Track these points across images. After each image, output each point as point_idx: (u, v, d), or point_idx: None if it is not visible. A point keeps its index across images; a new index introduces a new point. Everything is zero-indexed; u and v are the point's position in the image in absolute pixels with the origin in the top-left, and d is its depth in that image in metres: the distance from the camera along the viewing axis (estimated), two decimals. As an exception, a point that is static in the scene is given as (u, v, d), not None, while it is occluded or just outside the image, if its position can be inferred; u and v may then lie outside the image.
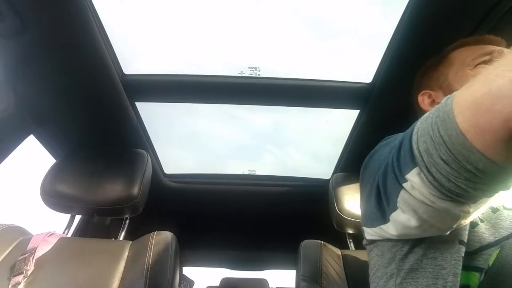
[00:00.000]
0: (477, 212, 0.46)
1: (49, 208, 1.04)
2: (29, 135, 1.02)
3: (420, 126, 0.43)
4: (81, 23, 0.77)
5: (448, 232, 0.50)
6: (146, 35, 1.00)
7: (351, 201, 1.12)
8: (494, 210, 0.56)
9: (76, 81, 0.93)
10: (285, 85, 1.03)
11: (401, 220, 0.50)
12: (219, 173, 1.57)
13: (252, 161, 1.57)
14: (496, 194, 0.42)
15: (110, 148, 1.14)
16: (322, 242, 1.11)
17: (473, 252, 0.52)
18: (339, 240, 1.20)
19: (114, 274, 0.89)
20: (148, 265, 0.89)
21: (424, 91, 0.70)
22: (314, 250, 1.07)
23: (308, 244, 1.11)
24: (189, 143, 1.51)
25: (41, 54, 0.83)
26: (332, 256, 1.06)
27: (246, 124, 1.38)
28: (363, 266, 0.98)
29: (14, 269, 0.86)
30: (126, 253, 0.95)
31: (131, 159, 1.10)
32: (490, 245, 0.52)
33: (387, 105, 1.03)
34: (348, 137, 1.25)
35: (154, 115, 1.21)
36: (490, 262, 0.46)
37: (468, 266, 0.51)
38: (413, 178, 0.44)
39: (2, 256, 0.88)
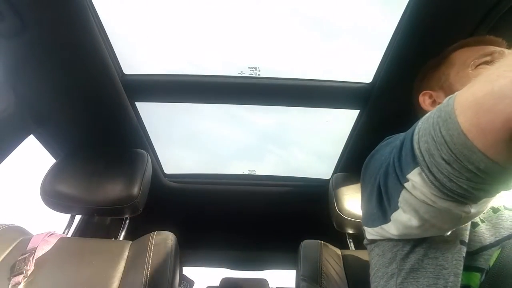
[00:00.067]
0: (478, 213, 0.46)
1: (49, 208, 1.04)
2: (29, 135, 1.02)
3: (422, 126, 0.43)
4: (81, 23, 0.77)
5: (449, 233, 0.50)
6: (146, 35, 1.00)
7: (351, 201, 1.12)
8: (495, 210, 0.56)
9: (76, 81, 0.93)
10: (285, 85, 1.03)
11: (402, 220, 0.50)
12: (219, 173, 1.57)
13: (252, 161, 1.57)
14: (498, 194, 0.42)
15: (110, 148, 1.14)
16: (322, 242, 1.11)
17: (474, 252, 0.52)
18: (339, 240, 1.20)
19: (114, 274, 0.89)
20: (148, 265, 0.89)
21: (425, 91, 0.70)
22: (314, 250, 1.07)
23: (308, 244, 1.11)
24: (189, 143, 1.51)
25: (41, 54, 0.83)
26: (332, 256, 1.06)
27: (247, 124, 1.38)
28: (363, 266, 0.98)
29: (14, 269, 0.86)
30: (126, 253, 0.95)
31: (131, 159, 1.10)
32: (491, 245, 0.52)
33: (387, 105, 1.03)
34: (348, 137, 1.25)
35: (154, 115, 1.21)
36: (491, 263, 0.46)
37: (469, 266, 0.51)
38: (414, 178, 0.44)
39: (2, 256, 0.88)
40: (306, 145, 1.52)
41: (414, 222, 0.48)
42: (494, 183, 0.39)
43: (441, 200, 0.43)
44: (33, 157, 1.21)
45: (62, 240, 0.98)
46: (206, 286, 1.79)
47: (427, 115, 0.44)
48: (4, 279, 0.84)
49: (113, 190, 1.02)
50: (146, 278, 0.86)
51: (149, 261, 0.90)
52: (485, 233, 0.54)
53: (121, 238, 1.13)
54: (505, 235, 0.52)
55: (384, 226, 0.55)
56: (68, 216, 1.11)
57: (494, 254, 0.47)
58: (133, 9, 0.94)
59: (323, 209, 1.27)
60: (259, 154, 1.57)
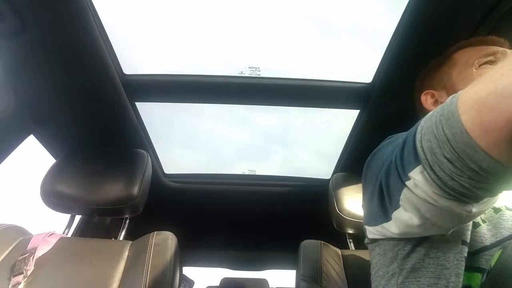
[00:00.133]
0: (480, 212, 0.46)
1: (49, 208, 1.04)
2: (29, 135, 1.02)
3: (424, 124, 0.43)
4: (81, 23, 0.77)
5: (450, 232, 0.50)
6: (146, 35, 1.00)
7: (351, 201, 1.12)
8: (496, 211, 0.56)
9: (76, 81, 0.93)
10: (285, 85, 1.03)
11: (403, 218, 0.50)
12: (219, 173, 1.57)
13: (252, 161, 1.57)
14: (499, 194, 0.42)
15: (110, 148, 1.14)
16: (322, 242, 1.11)
17: (475, 253, 0.52)
18: (339, 240, 1.20)
19: (114, 274, 0.89)
20: (148, 265, 0.89)
21: (427, 91, 0.70)
22: (314, 250, 1.07)
23: (308, 244, 1.11)
24: (189, 143, 1.51)
25: (41, 54, 0.83)
26: (332, 256, 1.06)
27: (247, 124, 1.38)
28: (363, 266, 0.98)
29: (14, 269, 0.86)
30: (126, 253, 0.95)
31: (131, 159, 1.10)
32: (492, 246, 0.52)
33: (387, 105, 1.03)
34: (348, 137, 1.25)
35: (154, 115, 1.21)
36: (492, 263, 0.46)
37: (470, 266, 0.51)
38: (416, 177, 0.44)
39: (2, 256, 0.88)
40: (306, 145, 1.52)
41: (415, 220, 0.48)
42: (496, 183, 0.39)
43: (442, 199, 0.43)
44: (33, 157, 1.21)
45: (62, 240, 0.98)
46: (206, 286, 1.79)
47: (429, 113, 0.44)
48: (4, 279, 0.84)
49: (113, 190, 1.02)
50: (146, 278, 0.86)
51: (149, 261, 0.90)
52: (486, 233, 0.53)
53: (121, 238, 1.13)
54: (506, 235, 0.52)
55: (385, 224, 0.55)
56: (68, 216, 1.11)
57: (495, 254, 0.47)
58: (133, 9, 0.94)
59: (323, 209, 1.27)
60: (259, 154, 1.57)
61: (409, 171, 0.45)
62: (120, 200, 1.01)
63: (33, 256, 0.88)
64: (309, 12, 0.94)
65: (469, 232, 0.52)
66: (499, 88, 0.35)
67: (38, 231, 0.99)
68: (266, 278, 1.79)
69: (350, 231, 1.15)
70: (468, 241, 0.52)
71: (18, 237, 0.95)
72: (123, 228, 1.15)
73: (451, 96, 0.40)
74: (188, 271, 1.83)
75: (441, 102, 0.66)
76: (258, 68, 1.01)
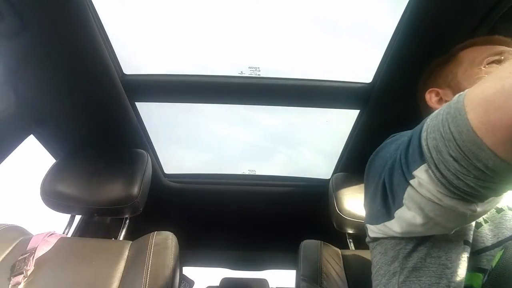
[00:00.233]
0: (485, 212, 0.45)
1: (49, 208, 1.04)
2: (29, 135, 1.02)
3: (430, 123, 0.43)
4: (81, 23, 0.77)
5: (452, 232, 0.50)
6: (146, 35, 1.00)
7: (351, 201, 1.12)
8: (499, 211, 0.56)
9: (76, 81, 0.93)
10: (285, 85, 1.03)
11: (406, 217, 0.50)
12: (219, 173, 1.57)
13: (253, 161, 1.57)
14: (505, 194, 0.42)
15: (110, 148, 1.14)
16: (322, 242, 1.11)
17: (477, 253, 0.52)
18: (339, 240, 1.20)
19: (114, 274, 0.89)
20: (148, 265, 0.89)
21: (431, 89, 0.70)
22: (314, 250, 1.07)
23: (308, 244, 1.11)
24: (189, 143, 1.51)
25: (41, 54, 0.83)
26: (332, 256, 1.06)
27: (247, 124, 1.38)
28: (363, 266, 0.98)
29: (14, 269, 0.86)
30: (126, 253, 0.95)
31: (131, 159, 1.10)
32: (493, 246, 0.51)
33: (387, 105, 1.03)
34: (348, 137, 1.25)
35: (154, 115, 1.21)
36: (494, 263, 0.45)
37: (472, 266, 0.51)
38: (421, 175, 0.44)
39: (2, 256, 0.88)
40: (306, 145, 1.52)
41: (418, 220, 0.48)
42: (502, 182, 0.39)
43: (447, 198, 0.43)
44: (33, 157, 1.21)
45: (62, 240, 0.98)
46: (206, 286, 1.79)
47: (435, 112, 0.43)
48: (4, 279, 0.84)
49: (113, 190, 1.02)
50: (146, 278, 0.86)
51: (149, 261, 0.90)
52: (488, 233, 0.53)
53: (121, 238, 1.13)
54: (508, 236, 0.52)
55: (387, 223, 0.55)
56: (68, 216, 1.11)
57: (497, 254, 0.47)
58: (133, 9, 0.94)
59: (323, 209, 1.27)
60: (260, 154, 1.57)
61: (413, 169, 0.45)
62: (120, 200, 1.01)
63: (33, 256, 0.88)
64: (309, 12, 0.94)
65: (472, 232, 0.52)
66: (507, 86, 0.34)
67: (38, 231, 0.99)
68: (266, 278, 1.79)
69: (350, 231, 1.15)
70: (471, 241, 0.52)
71: (18, 237, 0.95)
72: (123, 228, 1.15)
73: (458, 94, 0.40)
74: (188, 271, 1.83)
75: (446, 100, 0.66)
76: (258, 68, 1.01)
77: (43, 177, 1.04)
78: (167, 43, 1.03)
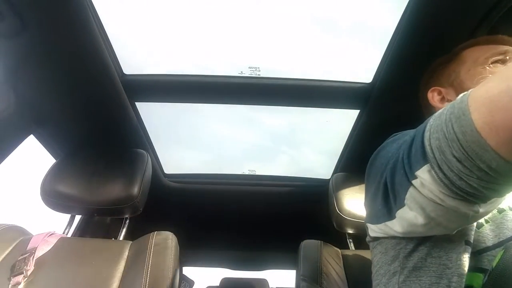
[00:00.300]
0: (487, 212, 0.45)
1: (49, 208, 1.04)
2: (29, 135, 1.02)
3: (433, 123, 0.42)
4: (81, 23, 0.77)
5: (454, 232, 0.50)
6: (146, 35, 1.00)
7: (351, 201, 1.12)
8: (500, 211, 0.55)
9: (76, 81, 0.93)
10: (285, 85, 1.03)
11: (408, 217, 0.49)
12: (219, 173, 1.57)
13: (253, 161, 1.57)
14: (507, 195, 0.42)
15: (110, 148, 1.14)
16: (322, 242, 1.11)
17: (478, 253, 0.52)
18: (339, 240, 1.20)
19: (114, 274, 0.89)
20: (148, 265, 0.89)
21: (434, 88, 0.70)
22: (314, 250, 1.07)
23: (308, 244, 1.11)
24: (189, 143, 1.51)
25: (41, 54, 0.83)
26: (332, 256, 1.06)
27: (247, 124, 1.38)
28: (363, 266, 0.98)
29: (14, 269, 0.86)
30: (126, 253, 0.95)
31: (131, 159, 1.10)
32: (494, 246, 0.51)
33: (387, 105, 1.03)
34: (348, 137, 1.25)
35: (154, 115, 1.21)
36: (494, 264, 0.45)
37: (473, 267, 0.51)
38: (423, 175, 0.43)
39: (2, 256, 0.88)
40: (306, 145, 1.52)
41: (420, 220, 0.48)
42: (505, 183, 0.39)
43: (449, 199, 0.42)
44: (33, 157, 1.21)
45: (62, 240, 0.98)
46: (206, 286, 1.79)
47: (439, 111, 0.43)
48: (4, 279, 0.84)
49: (113, 190, 1.02)
50: (146, 278, 0.86)
51: (149, 261, 0.90)
52: (489, 233, 0.53)
53: (121, 238, 1.13)
54: (509, 236, 0.51)
55: (388, 223, 0.55)
56: (68, 216, 1.11)
57: (498, 255, 0.47)
58: (133, 9, 0.94)
59: (323, 209, 1.27)
60: (260, 154, 1.57)
61: (416, 169, 0.44)
62: (120, 200, 1.01)
63: (33, 256, 0.88)
64: (309, 12, 0.94)
65: (473, 232, 0.52)
66: None
67: (39, 231, 0.99)
68: (266, 278, 1.79)
69: (350, 231, 1.15)
70: (472, 241, 0.52)
71: (18, 237, 0.95)
72: (123, 228, 1.15)
73: (461, 94, 0.40)
74: (188, 271, 1.83)
75: (448, 99, 0.66)
76: (258, 68, 1.01)
77: (43, 177, 1.04)
78: (167, 43, 1.03)
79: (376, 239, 0.63)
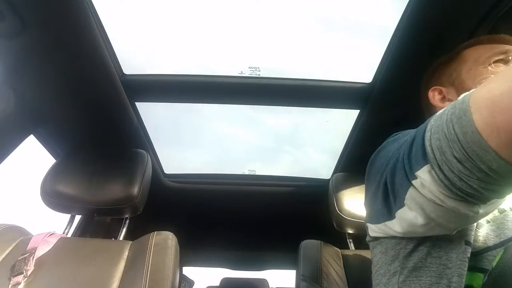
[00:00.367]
0: (487, 213, 0.45)
1: (49, 208, 1.04)
2: (29, 135, 1.02)
3: (434, 123, 0.42)
4: (81, 23, 0.77)
5: (454, 232, 0.50)
6: (146, 35, 1.00)
7: (351, 201, 1.12)
8: (501, 211, 0.55)
9: (76, 81, 0.93)
10: (285, 85, 1.03)
11: (408, 217, 0.49)
12: (219, 173, 1.57)
13: (253, 161, 1.57)
14: (508, 195, 0.42)
15: (110, 148, 1.14)
16: (322, 242, 1.11)
17: (478, 253, 0.52)
18: (339, 240, 1.20)
19: (114, 274, 0.89)
20: (148, 265, 0.89)
21: (435, 87, 0.69)
22: (314, 250, 1.07)
23: (308, 244, 1.11)
24: (189, 143, 1.51)
25: (41, 54, 0.83)
26: (332, 256, 1.06)
27: (247, 124, 1.38)
28: (363, 266, 0.98)
29: (14, 269, 0.86)
30: (126, 253, 0.95)
31: (131, 159, 1.10)
32: (495, 246, 0.51)
33: (387, 105, 1.03)
34: (348, 137, 1.25)
35: (154, 115, 1.21)
36: (494, 263, 0.45)
37: (473, 267, 0.51)
38: (424, 176, 0.43)
39: (2, 256, 0.88)
40: (306, 145, 1.52)
41: (419, 220, 0.48)
42: (505, 184, 0.39)
43: (449, 199, 0.42)
44: (33, 157, 1.21)
45: (62, 240, 0.98)
46: (206, 286, 1.79)
47: (440, 112, 0.43)
48: (4, 279, 0.84)
49: (113, 190, 1.02)
50: (146, 278, 0.86)
51: (149, 261, 0.90)
52: (490, 233, 0.53)
53: (121, 238, 1.13)
54: (509, 236, 0.51)
55: (388, 223, 0.55)
56: (68, 216, 1.11)
57: (498, 255, 0.47)
58: (133, 9, 0.94)
59: (323, 209, 1.27)
60: (260, 154, 1.57)
61: (416, 170, 0.44)
62: (120, 200, 1.01)
63: (33, 256, 0.88)
64: (309, 12, 0.94)
65: (473, 233, 0.52)
66: None
67: (39, 231, 0.99)
68: (266, 278, 1.79)
69: (350, 231, 1.15)
70: (472, 241, 0.52)
71: (18, 237, 0.95)
72: (123, 228, 1.15)
73: (463, 94, 0.40)
74: (188, 271, 1.83)
75: (449, 99, 0.66)
76: (258, 68, 1.01)
77: (43, 177, 1.04)
78: (167, 43, 1.03)
79: (376, 239, 0.63)
